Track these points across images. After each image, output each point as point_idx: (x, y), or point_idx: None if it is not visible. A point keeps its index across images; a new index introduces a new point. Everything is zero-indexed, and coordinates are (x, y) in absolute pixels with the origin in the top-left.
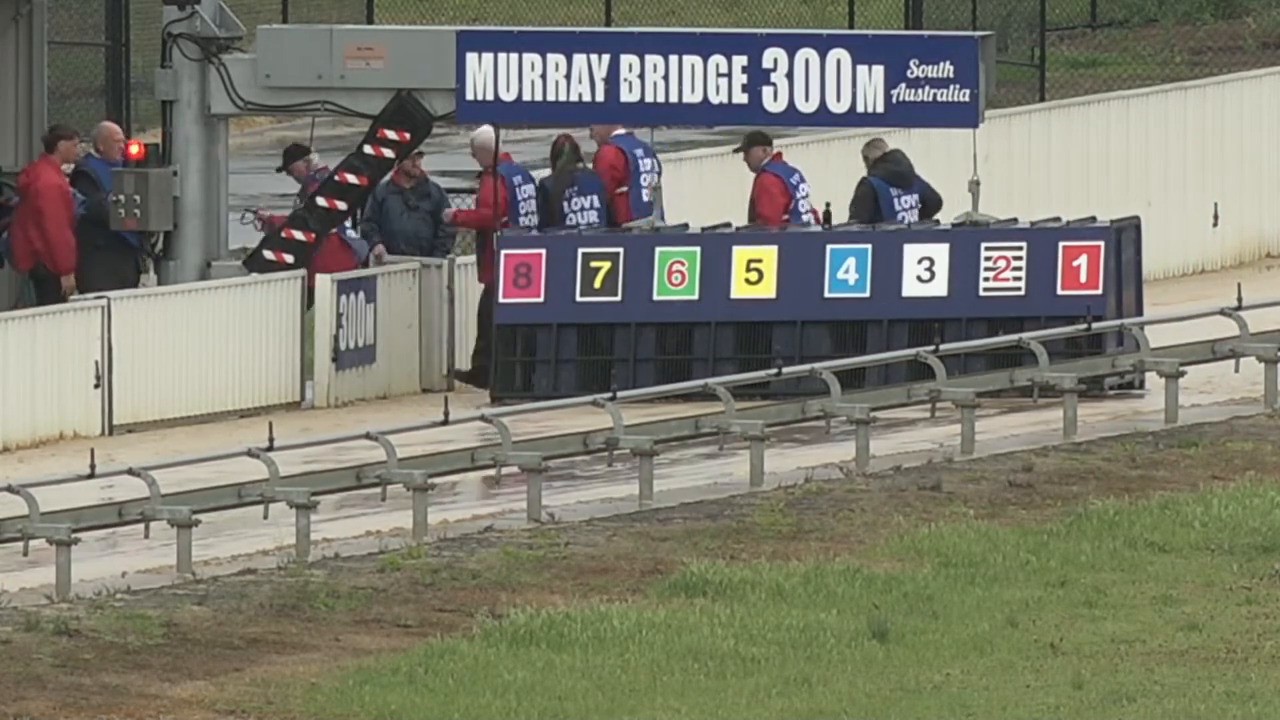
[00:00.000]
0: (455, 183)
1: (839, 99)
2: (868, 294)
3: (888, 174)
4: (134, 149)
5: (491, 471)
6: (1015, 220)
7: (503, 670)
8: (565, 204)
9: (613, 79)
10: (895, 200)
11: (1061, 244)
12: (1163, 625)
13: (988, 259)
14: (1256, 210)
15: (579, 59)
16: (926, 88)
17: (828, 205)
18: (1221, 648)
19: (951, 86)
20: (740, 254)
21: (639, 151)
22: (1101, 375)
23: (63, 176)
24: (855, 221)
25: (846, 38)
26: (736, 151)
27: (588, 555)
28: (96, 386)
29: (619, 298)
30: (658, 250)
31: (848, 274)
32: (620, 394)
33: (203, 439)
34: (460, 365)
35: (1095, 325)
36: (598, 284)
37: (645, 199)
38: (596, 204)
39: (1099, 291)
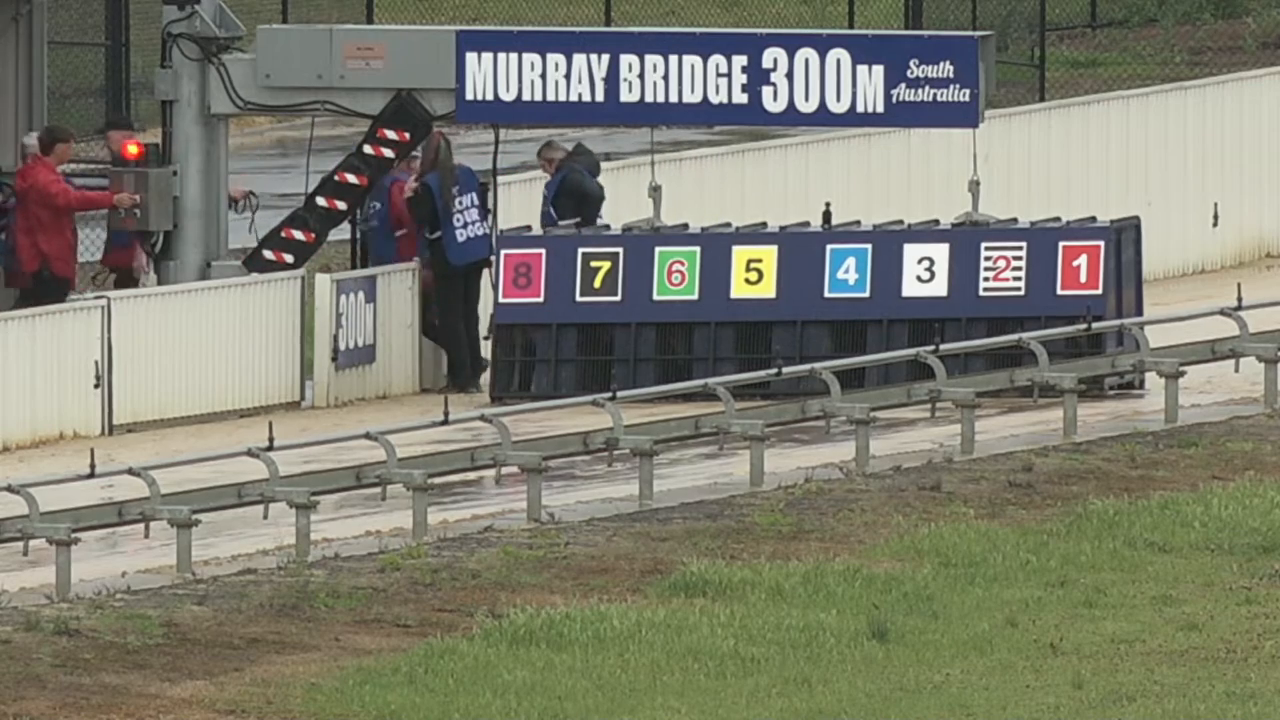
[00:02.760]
0: None
1: (839, 99)
2: (868, 294)
3: (589, 165)
4: (132, 149)
5: (468, 474)
6: (1015, 220)
7: (503, 670)
8: (450, 203)
9: (613, 79)
10: (599, 186)
11: (1061, 244)
12: (1163, 625)
13: (988, 259)
14: (1256, 210)
15: (579, 59)
16: (926, 88)
17: (827, 205)
18: (1221, 648)
19: (951, 86)
20: (740, 254)
21: None
22: (1101, 375)
23: (60, 180)
24: (561, 214)
25: (846, 38)
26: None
27: (588, 555)
28: (96, 386)
29: (619, 298)
30: (658, 250)
31: (848, 274)
32: (620, 394)
33: (203, 439)
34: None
35: (1095, 325)
36: (598, 284)
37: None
38: (476, 200)
39: (1099, 291)
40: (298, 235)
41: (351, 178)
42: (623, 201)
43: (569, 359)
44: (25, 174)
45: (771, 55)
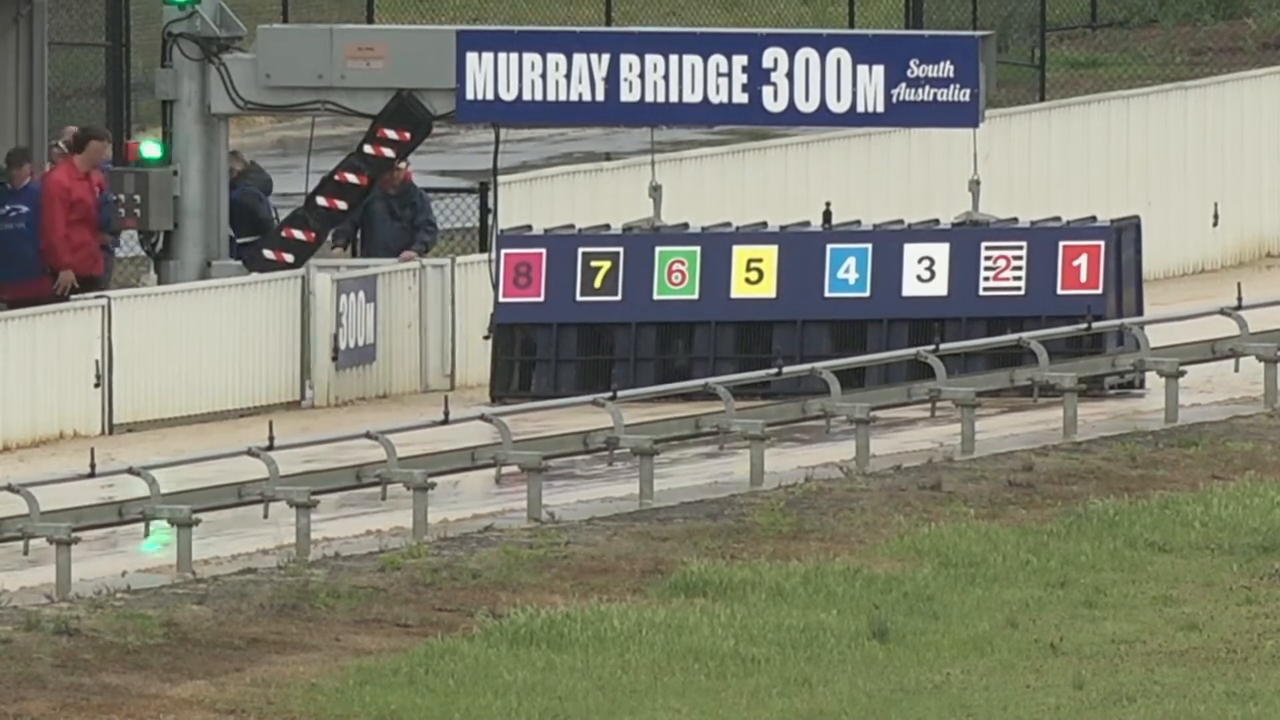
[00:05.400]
0: (456, 182)
1: (839, 99)
2: (868, 293)
3: (262, 183)
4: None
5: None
6: (1015, 220)
7: (503, 670)
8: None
9: (613, 79)
10: (270, 208)
11: (1062, 244)
12: (1163, 625)
13: (988, 258)
14: (1256, 210)
15: (579, 59)
16: (927, 87)
17: (828, 205)
18: (1221, 648)
19: (952, 86)
20: (740, 253)
21: None
22: (1101, 375)
23: (73, 177)
24: (237, 231)
25: (846, 38)
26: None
27: (588, 555)
28: (96, 386)
29: (619, 297)
30: (658, 250)
31: (848, 273)
32: (620, 393)
33: (203, 438)
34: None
35: (1095, 325)
36: (598, 283)
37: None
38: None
39: (1099, 291)
40: (298, 235)
41: (352, 177)
42: (623, 201)
43: (569, 359)
44: (46, 175)
45: (772, 55)
